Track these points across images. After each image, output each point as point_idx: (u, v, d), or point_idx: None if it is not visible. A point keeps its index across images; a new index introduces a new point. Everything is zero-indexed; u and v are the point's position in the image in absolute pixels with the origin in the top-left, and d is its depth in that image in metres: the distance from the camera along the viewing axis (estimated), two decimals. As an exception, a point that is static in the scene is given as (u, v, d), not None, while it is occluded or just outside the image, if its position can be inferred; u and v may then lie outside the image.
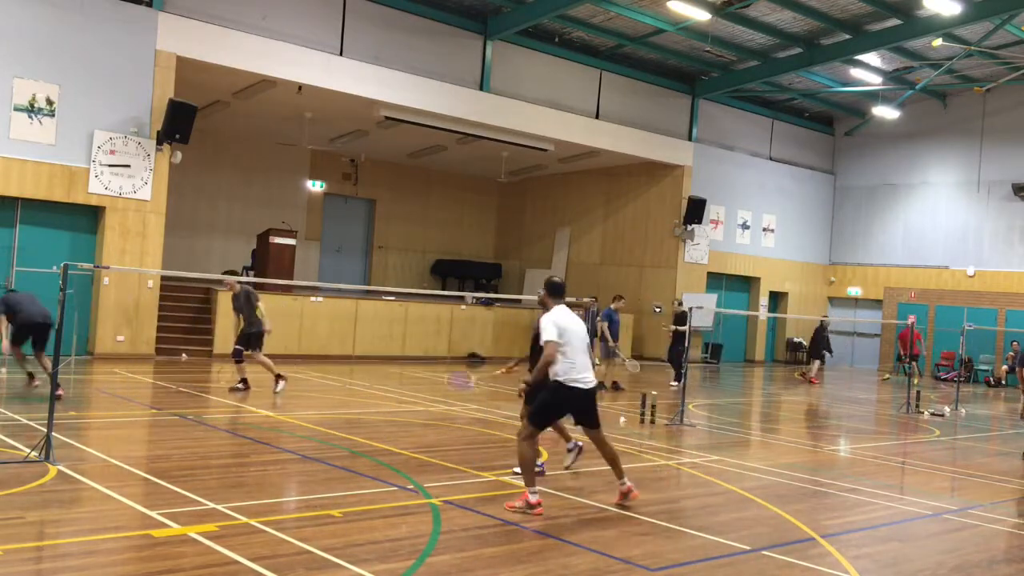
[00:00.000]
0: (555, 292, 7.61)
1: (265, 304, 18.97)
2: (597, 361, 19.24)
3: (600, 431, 7.59)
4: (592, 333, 14.27)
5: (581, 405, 7.44)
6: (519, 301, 25.00)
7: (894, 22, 21.32)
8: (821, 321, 24.22)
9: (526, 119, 22.48)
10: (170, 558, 5.40)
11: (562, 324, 7.30)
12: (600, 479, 8.72)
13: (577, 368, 7.28)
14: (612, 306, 17.64)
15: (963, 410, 17.19)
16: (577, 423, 7.64)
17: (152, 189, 17.08)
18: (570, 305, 7.68)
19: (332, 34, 19.67)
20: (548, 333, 7.18)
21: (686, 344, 14.39)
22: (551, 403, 7.36)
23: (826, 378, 24.87)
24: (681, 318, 18.06)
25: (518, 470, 7.72)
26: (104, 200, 16.60)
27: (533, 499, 6.99)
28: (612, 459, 7.55)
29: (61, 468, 7.46)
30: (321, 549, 5.72)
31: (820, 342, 23.30)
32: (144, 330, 17.11)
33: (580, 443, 8.88)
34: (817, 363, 23.11)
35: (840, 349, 28.14)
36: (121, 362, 16.11)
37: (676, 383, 17.74)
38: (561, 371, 7.22)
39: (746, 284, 28.84)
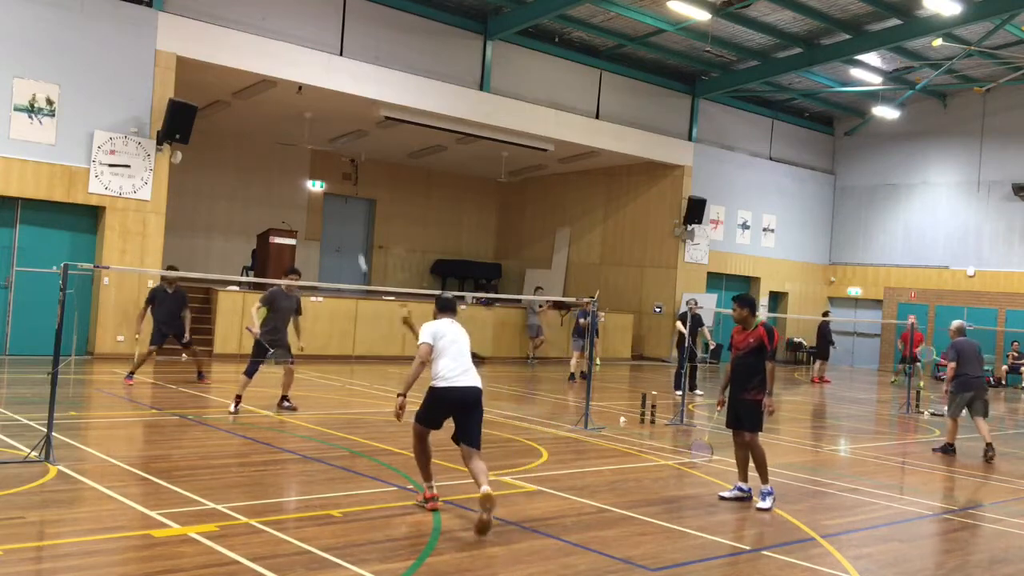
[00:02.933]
0: (440, 307, 7.52)
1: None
2: (598, 361, 19.20)
3: (476, 452, 6.89)
4: (593, 332, 14.24)
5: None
6: (519, 301, 24.96)
7: (894, 22, 21.32)
8: (824, 317, 24.07)
9: (526, 119, 22.48)
10: (170, 558, 5.40)
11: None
12: (601, 479, 8.72)
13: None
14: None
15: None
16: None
17: (152, 189, 17.08)
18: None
19: (332, 34, 19.67)
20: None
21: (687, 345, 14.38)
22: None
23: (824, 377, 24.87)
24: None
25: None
26: (104, 200, 16.60)
27: (426, 492, 7.11)
28: (476, 473, 6.69)
29: (61, 468, 7.46)
30: (321, 549, 5.72)
31: (826, 337, 23.23)
32: (144, 330, 17.06)
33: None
34: (819, 362, 23.10)
35: (840, 349, 28.13)
36: (121, 362, 16.10)
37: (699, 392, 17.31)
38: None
39: (746, 284, 28.82)
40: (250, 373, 11.40)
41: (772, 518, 7.55)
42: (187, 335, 13.91)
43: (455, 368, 7.06)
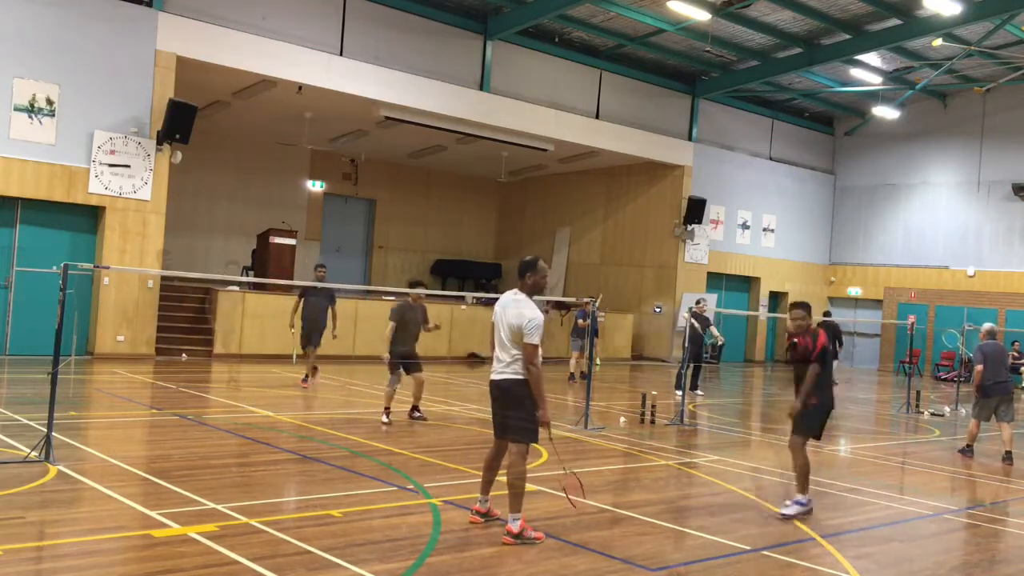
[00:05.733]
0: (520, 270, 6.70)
1: (265, 304, 19.08)
2: (598, 361, 19.18)
3: (511, 447, 6.49)
4: (593, 331, 14.25)
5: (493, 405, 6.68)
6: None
7: (894, 22, 21.32)
8: (825, 317, 23.71)
9: (526, 119, 22.47)
10: (170, 558, 5.40)
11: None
12: (601, 479, 8.72)
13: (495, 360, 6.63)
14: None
15: (963, 410, 17.18)
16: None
17: (152, 189, 17.08)
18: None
19: (332, 34, 19.67)
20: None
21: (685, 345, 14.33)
22: None
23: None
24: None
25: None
26: (104, 200, 16.60)
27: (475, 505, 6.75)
28: (509, 489, 6.34)
29: (61, 468, 7.46)
30: (321, 549, 5.72)
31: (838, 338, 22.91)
32: (144, 330, 17.11)
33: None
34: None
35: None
36: (121, 362, 16.12)
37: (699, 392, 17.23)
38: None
39: (746, 284, 28.84)
40: (393, 385, 11.47)
41: (772, 518, 7.54)
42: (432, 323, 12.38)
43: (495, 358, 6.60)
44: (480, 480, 6.72)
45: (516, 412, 6.46)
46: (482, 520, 6.58)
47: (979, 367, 11.62)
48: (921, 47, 22.83)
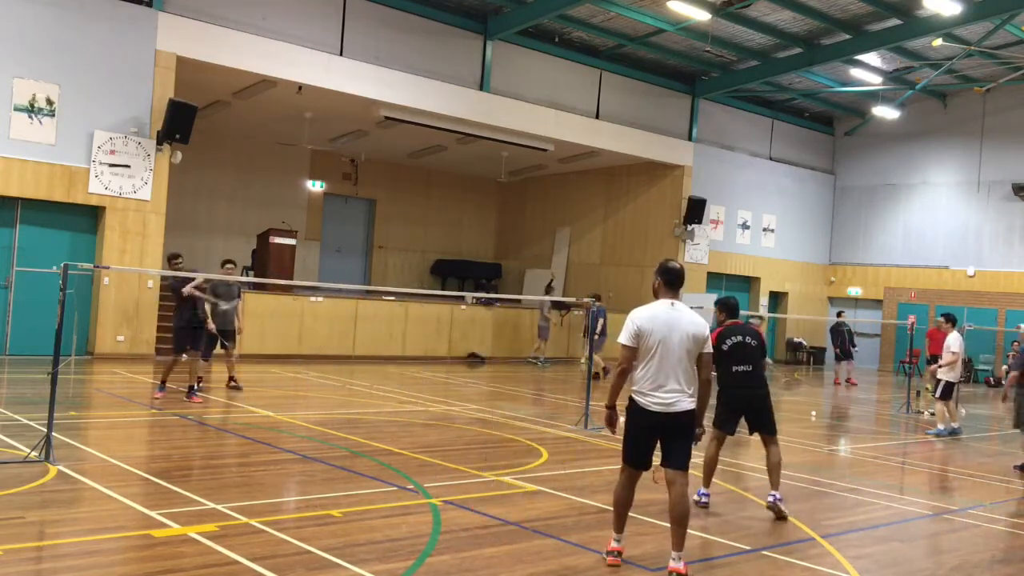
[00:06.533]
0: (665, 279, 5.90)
1: (265, 305, 19.08)
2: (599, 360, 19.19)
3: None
4: (593, 330, 14.26)
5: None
6: (519, 301, 25.00)
7: (894, 22, 21.32)
8: (838, 318, 23.54)
9: (526, 119, 22.48)
10: (170, 558, 5.40)
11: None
12: (601, 479, 8.72)
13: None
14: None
15: (963, 410, 17.15)
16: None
17: (152, 189, 17.08)
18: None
19: (332, 34, 19.68)
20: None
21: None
22: None
23: (826, 378, 24.87)
24: None
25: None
26: (104, 200, 16.60)
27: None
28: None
29: (61, 468, 7.46)
30: (321, 549, 5.72)
31: (849, 339, 22.87)
32: (144, 330, 17.11)
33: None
34: (846, 363, 22.45)
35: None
36: (121, 362, 16.12)
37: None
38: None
39: (746, 284, 28.83)
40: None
41: (772, 518, 7.54)
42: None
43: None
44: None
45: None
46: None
47: (1015, 373, 11.05)
48: (921, 47, 22.83)
